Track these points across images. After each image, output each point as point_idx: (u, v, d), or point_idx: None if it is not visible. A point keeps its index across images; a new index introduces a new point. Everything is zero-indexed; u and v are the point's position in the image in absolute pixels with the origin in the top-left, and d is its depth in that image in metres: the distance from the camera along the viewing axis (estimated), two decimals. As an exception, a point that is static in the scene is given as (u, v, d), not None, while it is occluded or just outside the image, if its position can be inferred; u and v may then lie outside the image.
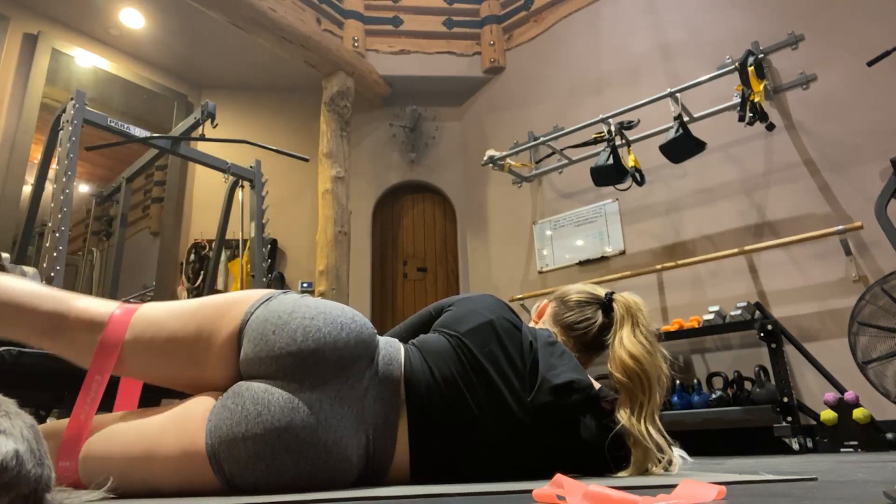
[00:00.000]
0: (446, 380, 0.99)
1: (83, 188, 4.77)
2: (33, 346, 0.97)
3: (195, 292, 4.44)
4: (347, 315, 0.97)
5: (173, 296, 4.62)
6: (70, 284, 4.13)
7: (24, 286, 0.96)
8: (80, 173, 4.46)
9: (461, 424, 0.98)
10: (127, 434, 0.90)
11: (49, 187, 2.70)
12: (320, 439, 0.86)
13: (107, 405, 0.99)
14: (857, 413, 2.63)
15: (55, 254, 2.30)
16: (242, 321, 0.94)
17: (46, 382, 1.74)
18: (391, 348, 1.02)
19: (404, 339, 1.11)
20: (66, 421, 0.93)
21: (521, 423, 1.00)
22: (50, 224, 2.38)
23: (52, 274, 2.26)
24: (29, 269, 2.15)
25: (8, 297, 0.94)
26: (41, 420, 2.04)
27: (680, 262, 3.54)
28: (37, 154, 3.72)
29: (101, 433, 0.90)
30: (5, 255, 2.17)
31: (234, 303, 0.97)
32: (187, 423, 0.88)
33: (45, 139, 2.86)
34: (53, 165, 2.61)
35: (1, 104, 3.93)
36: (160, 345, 0.94)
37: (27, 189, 3.85)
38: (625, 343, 1.10)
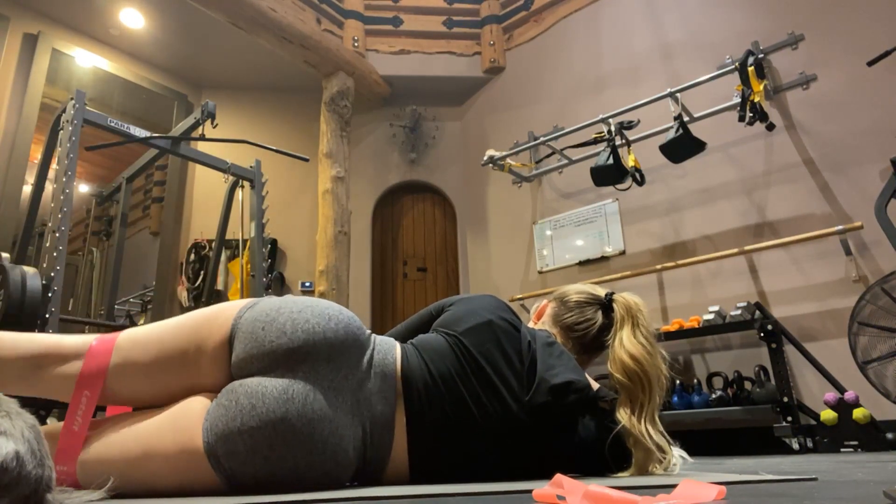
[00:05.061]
0: (444, 378, 1.00)
1: (83, 188, 4.77)
2: (12, 394, 0.95)
3: (195, 292, 4.44)
4: (334, 308, 1.00)
5: (173, 295, 4.62)
6: (70, 284, 4.13)
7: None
8: (80, 173, 4.46)
9: (459, 422, 0.98)
10: (124, 437, 0.90)
11: (49, 187, 2.70)
12: (316, 429, 0.87)
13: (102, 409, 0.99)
14: (857, 413, 2.63)
15: (55, 254, 2.29)
16: (233, 324, 0.95)
17: (46, 382, 1.74)
18: (386, 344, 1.04)
19: (404, 338, 1.12)
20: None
21: (520, 423, 1.01)
22: (50, 224, 2.38)
23: (52, 274, 2.25)
24: (29, 269, 2.15)
25: None
26: (41, 420, 2.04)
27: (680, 262, 3.54)
28: (37, 154, 3.72)
29: (98, 438, 0.91)
30: (5, 255, 2.17)
31: (220, 311, 0.99)
32: (184, 422, 0.88)
33: (45, 139, 2.86)
34: (53, 165, 2.61)
35: (1, 104, 3.93)
36: (151, 358, 0.94)
37: (27, 189, 3.85)
38: (625, 344, 1.10)
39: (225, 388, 0.90)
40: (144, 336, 0.97)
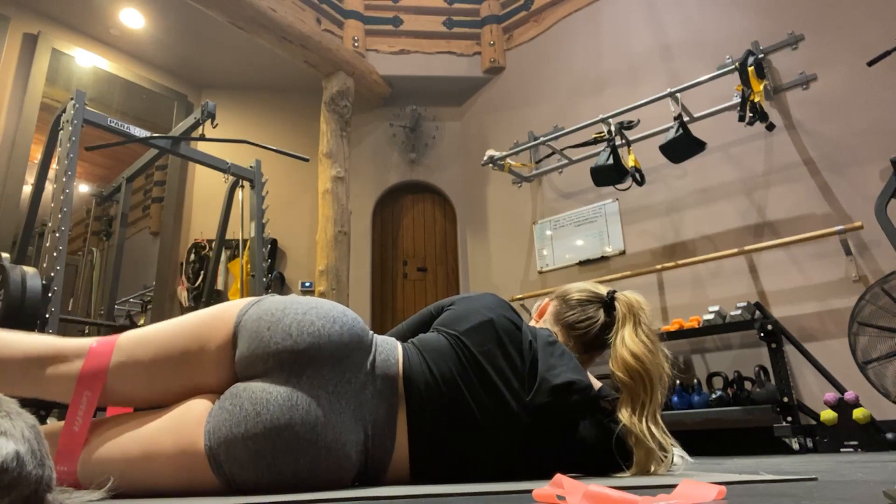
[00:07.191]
0: (445, 378, 0.99)
1: (83, 188, 4.77)
2: (14, 394, 0.94)
3: (195, 292, 4.44)
4: (339, 309, 0.99)
5: (173, 296, 4.62)
6: (70, 284, 4.13)
7: None
8: (80, 173, 4.45)
9: (460, 423, 0.98)
10: (125, 438, 0.90)
11: (49, 187, 2.70)
12: (320, 436, 0.87)
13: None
14: (857, 413, 2.63)
15: (55, 254, 2.30)
16: (236, 322, 0.94)
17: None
18: (387, 345, 1.03)
19: (404, 338, 1.11)
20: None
21: (521, 423, 1.00)
22: (50, 224, 2.38)
23: (52, 274, 2.26)
24: (29, 269, 2.15)
25: None
26: (41, 420, 2.04)
27: (680, 262, 3.54)
28: (37, 154, 3.72)
29: (99, 438, 0.90)
30: (5, 256, 2.17)
31: (223, 310, 0.98)
32: (185, 425, 0.88)
33: (45, 139, 2.86)
34: (53, 165, 2.62)
35: (1, 104, 3.93)
36: (150, 359, 0.93)
37: (27, 189, 3.85)
38: (626, 342, 1.10)
39: (228, 390, 0.90)
40: (146, 336, 0.96)
